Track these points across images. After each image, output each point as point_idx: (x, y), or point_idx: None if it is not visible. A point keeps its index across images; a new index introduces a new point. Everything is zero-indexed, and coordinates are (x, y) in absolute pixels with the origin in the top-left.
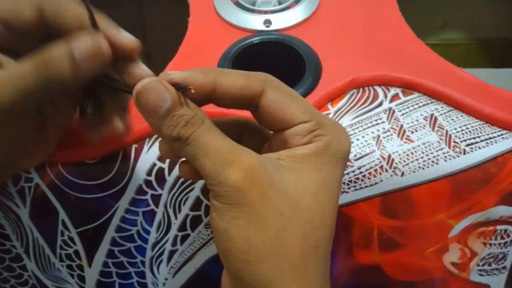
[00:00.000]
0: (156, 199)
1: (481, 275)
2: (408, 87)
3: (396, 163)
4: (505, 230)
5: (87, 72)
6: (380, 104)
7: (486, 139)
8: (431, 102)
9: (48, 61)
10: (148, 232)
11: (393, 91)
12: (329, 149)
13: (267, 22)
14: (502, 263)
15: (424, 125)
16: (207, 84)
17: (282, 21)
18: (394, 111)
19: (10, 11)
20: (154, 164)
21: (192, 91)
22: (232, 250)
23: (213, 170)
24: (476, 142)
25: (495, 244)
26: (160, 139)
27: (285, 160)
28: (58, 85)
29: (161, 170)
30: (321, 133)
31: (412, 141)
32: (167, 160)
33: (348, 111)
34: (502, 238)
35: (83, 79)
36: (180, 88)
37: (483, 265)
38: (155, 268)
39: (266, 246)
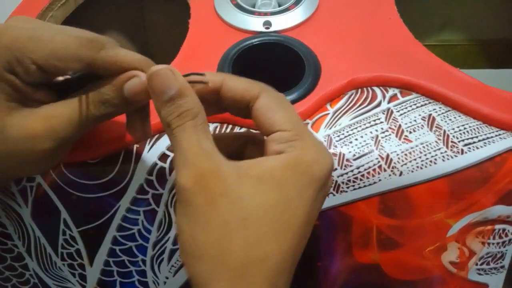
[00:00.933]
0: (157, 198)
1: (479, 274)
2: (406, 87)
3: (394, 163)
4: (503, 230)
5: (134, 104)
6: (379, 104)
7: (484, 139)
8: (429, 103)
9: (104, 100)
10: (149, 231)
11: (391, 91)
12: (300, 166)
13: (267, 24)
14: (501, 262)
15: (422, 125)
16: (217, 82)
17: (281, 22)
18: (392, 112)
19: (54, 65)
20: (155, 164)
21: (209, 84)
22: (181, 242)
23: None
24: (474, 142)
25: (493, 244)
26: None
27: (252, 170)
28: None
29: (162, 169)
30: (296, 144)
31: (410, 141)
32: (168, 160)
33: (347, 111)
34: (500, 237)
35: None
36: (198, 75)
37: (482, 264)
38: (156, 267)
39: (207, 247)
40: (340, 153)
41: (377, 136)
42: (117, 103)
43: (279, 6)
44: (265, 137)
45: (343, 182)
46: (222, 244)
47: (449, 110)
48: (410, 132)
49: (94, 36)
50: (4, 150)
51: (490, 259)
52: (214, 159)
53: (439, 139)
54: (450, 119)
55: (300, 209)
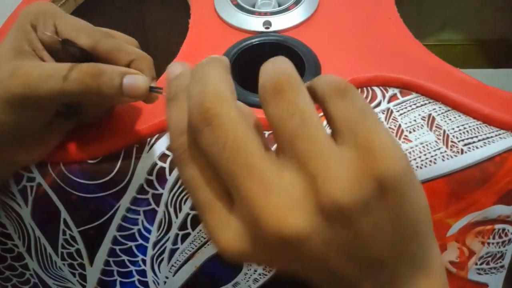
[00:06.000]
0: (157, 198)
1: (479, 274)
2: (406, 87)
3: None
4: (503, 229)
5: (126, 98)
6: (379, 104)
7: (483, 139)
8: (429, 103)
9: (101, 79)
10: (149, 231)
11: (391, 91)
12: None
13: (267, 24)
14: (500, 262)
15: (422, 125)
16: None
17: (281, 22)
18: (392, 111)
19: (69, 34)
20: (155, 164)
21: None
22: None
23: None
24: (474, 142)
25: (493, 243)
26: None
27: None
28: (94, 98)
29: (162, 169)
30: None
31: (410, 141)
32: (168, 160)
33: None
34: (500, 237)
35: (118, 102)
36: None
37: (481, 264)
38: (156, 267)
39: None
40: None
41: None
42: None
43: (279, 6)
44: None
45: None
46: None
47: (448, 110)
48: (410, 132)
49: (117, 34)
50: None
51: (489, 258)
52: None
53: (438, 139)
54: (450, 119)
55: None
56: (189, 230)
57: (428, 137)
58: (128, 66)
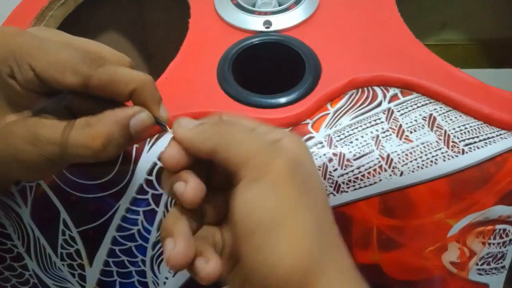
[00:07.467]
0: (157, 198)
1: (480, 274)
2: (407, 87)
3: (395, 163)
4: (504, 230)
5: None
6: (379, 104)
7: (484, 139)
8: (430, 102)
9: (111, 138)
10: (149, 231)
11: (392, 91)
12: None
13: (267, 23)
14: (501, 262)
15: (423, 125)
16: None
17: (282, 22)
18: (393, 111)
19: (51, 76)
20: (155, 164)
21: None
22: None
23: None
24: (475, 142)
25: (494, 244)
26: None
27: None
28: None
29: (162, 169)
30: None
31: (411, 141)
32: None
33: (347, 111)
34: (501, 237)
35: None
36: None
37: (482, 264)
38: (155, 267)
39: None
40: (340, 153)
41: (377, 136)
42: (122, 142)
43: (280, 5)
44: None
45: (343, 182)
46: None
47: (449, 110)
48: (411, 132)
49: (105, 53)
50: (7, 154)
51: (490, 259)
52: None
53: (439, 139)
54: (451, 119)
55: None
56: None
57: (429, 137)
58: (130, 97)
